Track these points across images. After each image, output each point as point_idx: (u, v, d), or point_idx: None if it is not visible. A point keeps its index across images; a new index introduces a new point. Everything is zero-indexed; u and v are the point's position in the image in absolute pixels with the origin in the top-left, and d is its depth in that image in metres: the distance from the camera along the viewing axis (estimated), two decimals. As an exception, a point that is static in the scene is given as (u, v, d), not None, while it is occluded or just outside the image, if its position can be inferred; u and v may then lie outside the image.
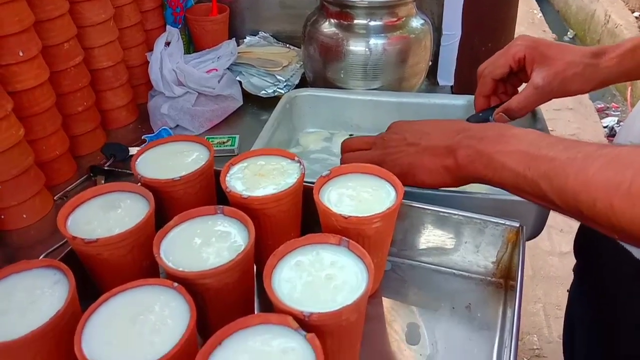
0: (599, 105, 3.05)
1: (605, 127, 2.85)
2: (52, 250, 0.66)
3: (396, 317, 0.56)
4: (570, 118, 2.95)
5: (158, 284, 0.43)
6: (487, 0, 0.94)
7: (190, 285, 0.43)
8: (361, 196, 0.53)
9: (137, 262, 0.51)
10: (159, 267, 0.52)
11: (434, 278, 0.61)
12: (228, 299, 0.46)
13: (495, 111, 0.69)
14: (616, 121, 2.86)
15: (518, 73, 0.69)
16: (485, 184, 0.50)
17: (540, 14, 4.21)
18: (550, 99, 0.66)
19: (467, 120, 0.73)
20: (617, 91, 3.19)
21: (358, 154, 0.62)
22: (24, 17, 0.70)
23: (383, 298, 0.59)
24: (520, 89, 0.71)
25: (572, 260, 0.79)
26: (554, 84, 0.63)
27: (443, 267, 0.62)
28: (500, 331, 0.53)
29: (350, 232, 0.49)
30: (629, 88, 2.99)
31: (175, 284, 0.43)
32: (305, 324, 0.39)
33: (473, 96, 0.74)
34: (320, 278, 0.43)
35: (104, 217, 0.51)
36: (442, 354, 0.51)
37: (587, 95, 3.16)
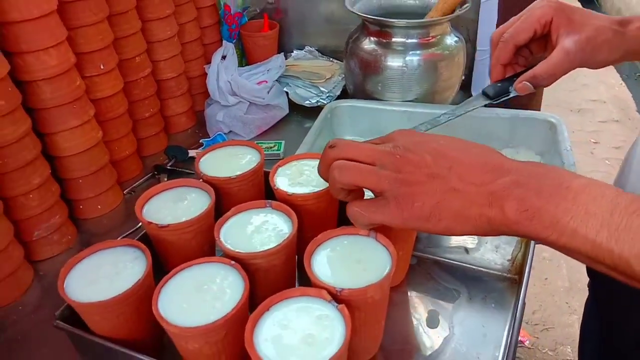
0: (647, 118, 2.99)
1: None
2: (127, 234, 0.77)
3: (418, 304, 0.64)
4: (616, 130, 2.92)
5: (219, 262, 0.53)
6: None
7: (244, 265, 0.52)
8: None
9: (199, 245, 0.60)
10: (216, 251, 0.62)
11: (456, 273, 0.68)
12: (274, 279, 0.55)
13: (517, 80, 0.63)
14: (664, 135, 2.79)
15: (539, 39, 0.64)
16: (545, 245, 0.40)
17: None
18: (578, 67, 0.61)
19: (483, 92, 0.67)
20: (667, 104, 3.12)
21: (355, 169, 0.45)
22: (105, 35, 0.81)
23: (408, 288, 0.66)
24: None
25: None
26: (586, 49, 0.59)
27: (464, 263, 0.68)
28: (511, 319, 0.60)
29: (378, 228, 0.57)
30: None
31: (233, 262, 0.52)
32: (337, 297, 0.47)
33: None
34: (351, 262, 0.51)
35: (173, 207, 0.61)
36: (457, 336, 0.59)
37: (635, 107, 3.11)
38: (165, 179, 0.90)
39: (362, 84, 0.96)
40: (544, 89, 0.80)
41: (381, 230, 0.54)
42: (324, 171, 0.48)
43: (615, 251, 0.36)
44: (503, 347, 0.56)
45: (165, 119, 1.02)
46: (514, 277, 0.65)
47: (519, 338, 1.83)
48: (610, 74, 3.38)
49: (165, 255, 0.61)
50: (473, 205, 0.41)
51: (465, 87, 1.08)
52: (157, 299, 0.49)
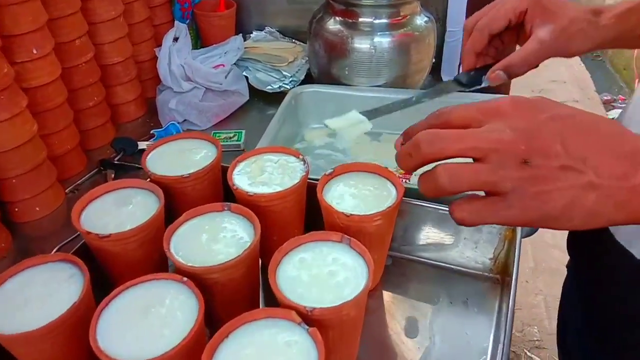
0: (605, 98, 3.04)
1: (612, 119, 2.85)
2: (65, 243, 0.68)
3: (396, 310, 0.59)
4: (561, 90, 2.98)
5: (168, 279, 0.46)
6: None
7: (199, 280, 0.45)
8: (363, 194, 0.54)
9: (147, 255, 0.53)
10: (168, 260, 0.54)
11: (433, 273, 0.63)
12: (234, 293, 0.49)
13: (491, 69, 0.62)
14: (623, 114, 2.85)
15: (512, 29, 0.64)
16: None
17: None
18: (552, 56, 0.62)
19: (456, 79, 0.66)
20: (624, 83, 3.18)
21: (471, 174, 0.35)
22: (38, 15, 0.71)
23: (383, 292, 0.61)
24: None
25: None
26: (560, 39, 0.60)
27: (442, 262, 0.64)
28: (496, 325, 0.55)
29: (352, 230, 0.51)
30: (637, 80, 2.98)
31: (185, 279, 0.45)
32: (308, 318, 0.41)
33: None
34: (322, 274, 0.45)
35: (116, 212, 0.54)
36: (439, 346, 0.54)
37: (593, 87, 3.16)
38: (113, 176, 0.81)
39: (327, 67, 0.90)
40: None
41: (355, 235, 0.48)
42: (426, 176, 0.37)
43: None
44: (489, 358, 0.51)
45: (112, 108, 0.92)
46: (496, 277, 0.61)
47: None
48: (570, 54, 3.43)
49: (109, 269, 0.53)
50: (610, 200, 0.35)
51: (435, 71, 1.03)
52: (95, 327, 0.41)
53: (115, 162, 0.84)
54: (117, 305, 0.44)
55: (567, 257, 0.82)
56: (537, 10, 0.60)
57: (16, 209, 0.74)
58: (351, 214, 0.51)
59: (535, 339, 1.80)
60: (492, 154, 0.35)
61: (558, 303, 0.84)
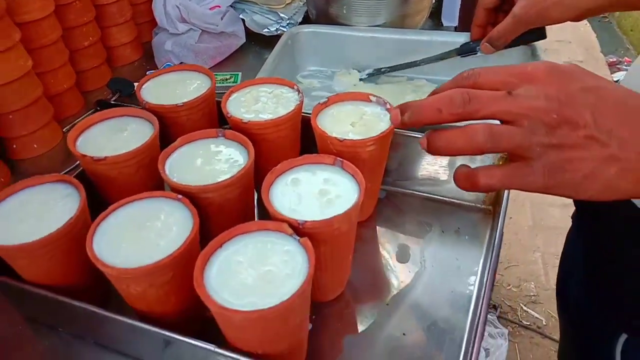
0: (611, 59, 2.99)
1: (616, 81, 2.81)
2: (64, 173, 0.68)
3: (388, 239, 0.60)
4: (565, 50, 2.94)
5: (163, 196, 0.46)
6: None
7: (194, 200, 0.46)
8: (357, 121, 0.55)
9: (144, 181, 0.53)
10: (165, 186, 0.55)
11: (427, 205, 0.63)
12: (230, 214, 0.49)
13: (482, 41, 0.72)
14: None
15: (507, 3, 0.71)
16: None
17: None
18: (531, 27, 0.68)
19: (459, 49, 0.78)
20: (630, 45, 3.13)
21: (510, 135, 0.36)
22: (28, -53, 0.70)
23: (377, 223, 0.62)
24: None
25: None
26: (530, 13, 0.65)
27: (436, 195, 0.64)
28: (486, 252, 0.56)
29: (345, 155, 0.51)
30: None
31: (180, 196, 0.46)
32: (300, 231, 0.42)
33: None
34: (314, 192, 0.46)
35: (111, 138, 0.54)
36: (429, 270, 0.55)
37: (598, 48, 3.11)
38: (110, 115, 0.81)
39: (325, 7, 0.88)
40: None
41: (349, 160, 0.49)
42: (461, 134, 0.37)
43: None
44: (478, 281, 0.52)
45: (107, 50, 0.91)
46: (488, 208, 0.62)
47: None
48: (576, 13, 3.36)
49: (106, 194, 0.54)
50: (631, 175, 0.36)
51: (436, 15, 1.02)
52: (91, 239, 0.42)
53: (112, 102, 0.84)
54: (113, 220, 0.44)
55: (565, 216, 0.82)
56: None
57: (14, 146, 0.75)
58: (344, 139, 0.51)
59: (531, 294, 1.84)
60: (523, 119, 0.35)
61: (555, 260, 0.84)
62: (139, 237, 0.43)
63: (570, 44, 3.14)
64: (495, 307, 1.77)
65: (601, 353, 0.61)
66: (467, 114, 0.36)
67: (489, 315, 1.69)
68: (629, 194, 0.36)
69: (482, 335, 0.42)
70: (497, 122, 0.36)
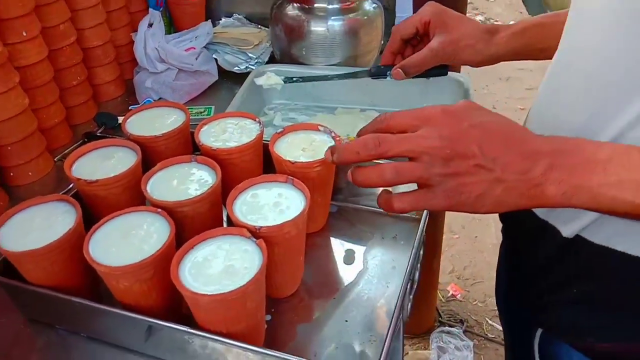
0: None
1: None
2: (62, 194, 0.78)
3: (338, 246, 0.70)
4: (527, 78, 3.17)
5: (145, 210, 0.57)
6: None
7: (171, 212, 0.56)
8: (307, 147, 0.66)
9: (128, 201, 0.64)
10: (147, 202, 0.65)
11: (371, 217, 0.74)
12: (201, 223, 0.60)
13: (394, 67, 0.76)
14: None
15: (423, 36, 0.76)
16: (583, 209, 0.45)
17: (519, -5, 4.33)
18: (442, 63, 0.74)
19: (369, 71, 0.83)
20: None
21: (411, 170, 0.45)
22: (26, 2, 0.81)
23: (329, 233, 0.73)
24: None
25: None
26: (447, 50, 0.71)
27: (379, 209, 0.75)
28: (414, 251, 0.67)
29: (297, 175, 0.62)
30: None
31: (159, 210, 0.56)
32: (257, 234, 0.52)
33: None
34: (270, 204, 0.57)
35: (101, 165, 0.64)
36: (370, 269, 0.66)
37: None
38: (97, 145, 0.91)
39: (287, 49, 1.01)
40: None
41: (300, 179, 0.60)
42: (374, 171, 0.46)
43: None
44: (405, 275, 0.63)
45: (93, 87, 1.02)
46: (418, 218, 0.73)
47: (451, 292, 1.98)
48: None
49: (97, 211, 0.64)
50: (514, 191, 0.44)
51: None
52: (88, 244, 0.52)
53: (98, 134, 0.94)
54: (104, 231, 0.55)
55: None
56: (438, 23, 0.72)
57: (11, 174, 0.84)
58: (296, 162, 0.62)
59: (496, 308, 1.94)
60: (424, 156, 0.44)
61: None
62: (126, 243, 0.53)
63: (531, 72, 3.34)
64: (462, 322, 1.87)
65: (525, 348, 0.67)
66: (379, 155, 0.46)
67: (454, 329, 1.79)
68: (517, 206, 0.45)
69: (402, 307, 0.55)
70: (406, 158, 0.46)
